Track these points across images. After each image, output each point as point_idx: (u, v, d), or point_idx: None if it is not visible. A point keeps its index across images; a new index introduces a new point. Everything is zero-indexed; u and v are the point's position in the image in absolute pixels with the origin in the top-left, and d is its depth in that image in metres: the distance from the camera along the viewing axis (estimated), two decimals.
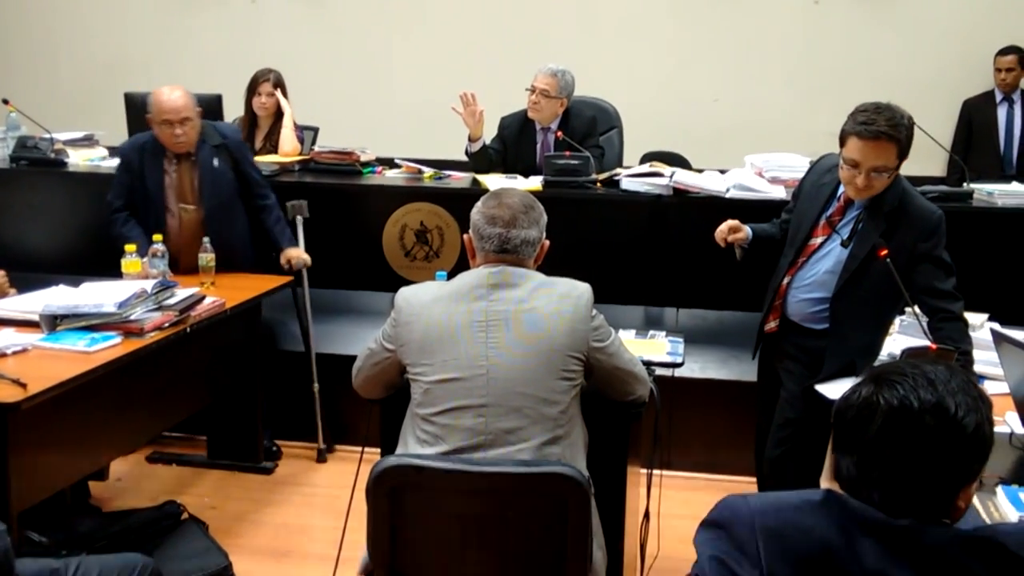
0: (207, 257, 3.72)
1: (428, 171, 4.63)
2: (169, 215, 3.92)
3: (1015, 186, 4.34)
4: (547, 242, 2.41)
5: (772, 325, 3.07)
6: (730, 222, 3.11)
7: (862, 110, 2.74)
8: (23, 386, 2.57)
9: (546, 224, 2.40)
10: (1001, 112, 5.99)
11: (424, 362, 2.26)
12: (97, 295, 3.10)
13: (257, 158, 4.46)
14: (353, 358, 2.51)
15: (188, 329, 3.22)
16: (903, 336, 3.09)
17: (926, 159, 5.26)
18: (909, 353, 2.68)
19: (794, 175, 3.93)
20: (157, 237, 3.65)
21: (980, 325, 3.07)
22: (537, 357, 2.22)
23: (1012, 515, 1.96)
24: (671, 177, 4.18)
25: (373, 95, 6.66)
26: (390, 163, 4.83)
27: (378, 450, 2.54)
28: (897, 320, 3.11)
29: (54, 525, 3.08)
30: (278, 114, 4.92)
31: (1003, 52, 5.94)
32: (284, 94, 4.94)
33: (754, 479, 3.35)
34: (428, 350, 2.25)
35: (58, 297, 3.17)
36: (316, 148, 4.83)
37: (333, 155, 4.70)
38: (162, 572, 2.32)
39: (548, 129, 4.70)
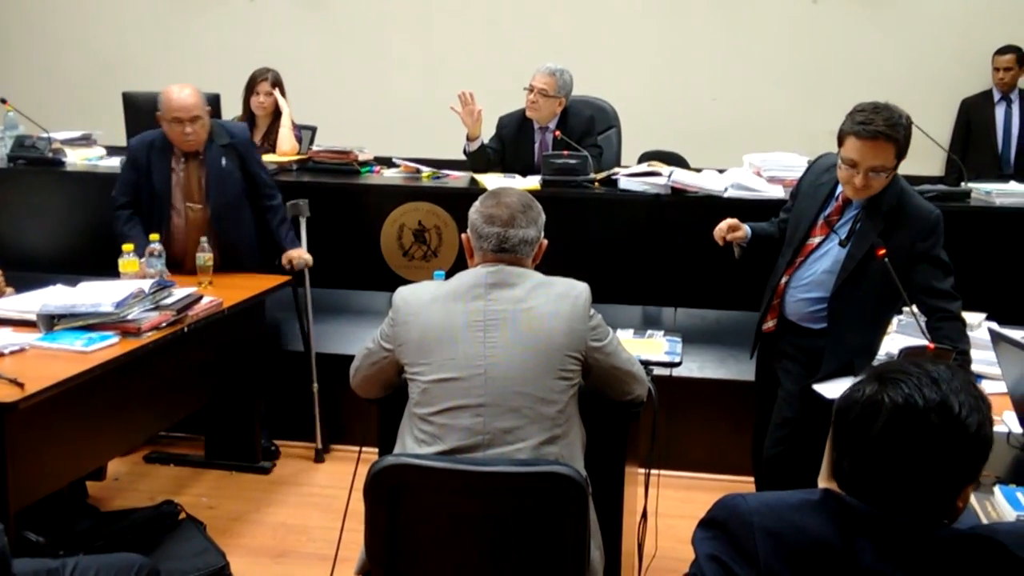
0: (205, 257, 3.72)
1: (426, 170, 4.63)
2: (175, 214, 3.92)
3: (1013, 185, 4.35)
4: (545, 241, 2.41)
5: (770, 325, 3.08)
6: (729, 220, 3.11)
7: (860, 110, 2.74)
8: (20, 386, 2.57)
9: (544, 223, 2.40)
10: (999, 111, 5.99)
11: (422, 362, 2.26)
12: (94, 295, 3.09)
13: None
14: (351, 358, 2.51)
15: (185, 329, 3.22)
16: (901, 335, 3.09)
17: (924, 158, 5.27)
18: (907, 352, 2.68)
19: (792, 174, 3.93)
20: (154, 237, 3.65)
21: (978, 324, 3.07)
22: (535, 356, 2.22)
23: (1010, 514, 1.96)
24: (669, 176, 4.18)
25: (371, 94, 6.66)
26: (388, 162, 4.83)
27: (376, 450, 2.53)
28: (895, 319, 3.11)
29: (51, 525, 3.08)
30: (276, 113, 4.92)
31: (1001, 51, 5.94)
32: (282, 93, 4.94)
33: (752, 479, 3.35)
34: (426, 350, 2.25)
35: (55, 297, 3.17)
36: (314, 147, 4.83)
37: (331, 154, 4.70)
38: (160, 572, 2.32)
39: (546, 128, 4.70)
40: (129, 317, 3.05)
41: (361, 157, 4.69)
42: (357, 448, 2.74)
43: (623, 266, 4.24)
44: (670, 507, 3.11)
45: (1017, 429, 2.39)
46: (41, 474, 2.77)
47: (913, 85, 5.79)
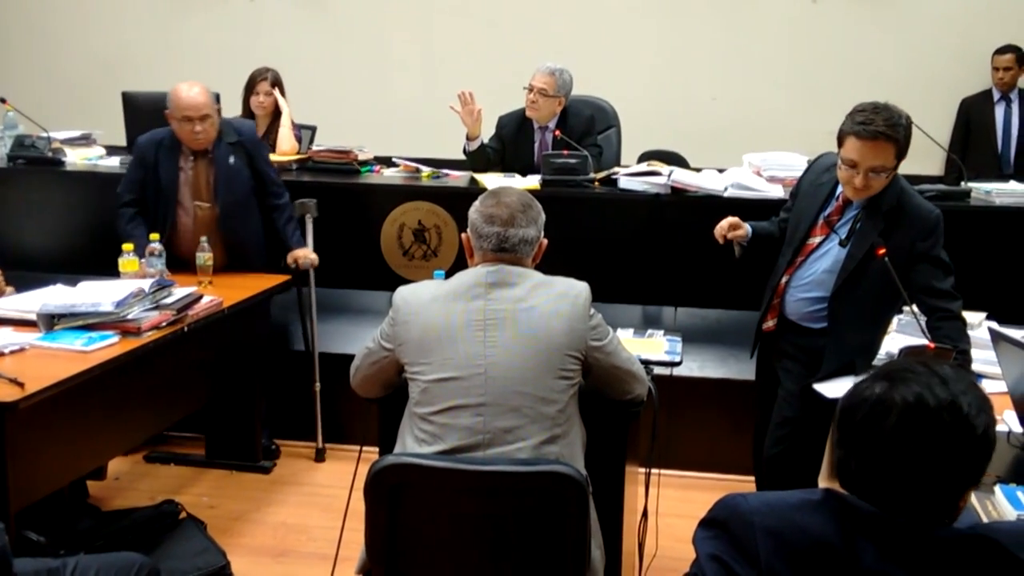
0: (205, 256, 3.72)
1: (426, 170, 4.63)
2: (184, 212, 3.91)
3: (1013, 185, 4.35)
4: (545, 241, 2.41)
5: (770, 324, 3.08)
6: (730, 219, 3.11)
7: (860, 110, 2.74)
8: (21, 385, 2.57)
9: (544, 223, 2.40)
10: (999, 111, 5.99)
11: (422, 361, 2.26)
12: (94, 294, 3.09)
13: None
14: (350, 357, 2.51)
15: (185, 328, 3.22)
16: (901, 335, 3.09)
17: (924, 158, 5.27)
18: (907, 352, 2.68)
19: (792, 174, 3.94)
20: (154, 236, 3.65)
21: (978, 324, 3.07)
22: (535, 356, 2.22)
23: (1010, 514, 1.96)
24: (669, 176, 4.18)
25: (371, 94, 6.66)
26: (388, 162, 4.83)
27: (376, 449, 2.54)
28: (895, 319, 3.11)
29: (52, 524, 3.08)
30: (276, 113, 4.92)
31: (1001, 51, 5.94)
32: (282, 93, 4.94)
33: (752, 478, 3.35)
34: (426, 349, 2.25)
35: (55, 296, 3.17)
36: (314, 147, 4.83)
37: (331, 154, 4.70)
38: (160, 571, 2.32)
39: (546, 128, 4.70)
40: (129, 317, 3.05)
41: (361, 157, 4.69)
42: (357, 447, 2.74)
43: (623, 265, 4.24)
44: (670, 506, 3.11)
45: (1017, 428, 2.39)
46: (41, 474, 2.77)
47: (913, 85, 5.79)
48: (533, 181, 4.33)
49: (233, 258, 3.93)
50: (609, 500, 2.46)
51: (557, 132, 4.59)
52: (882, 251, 2.72)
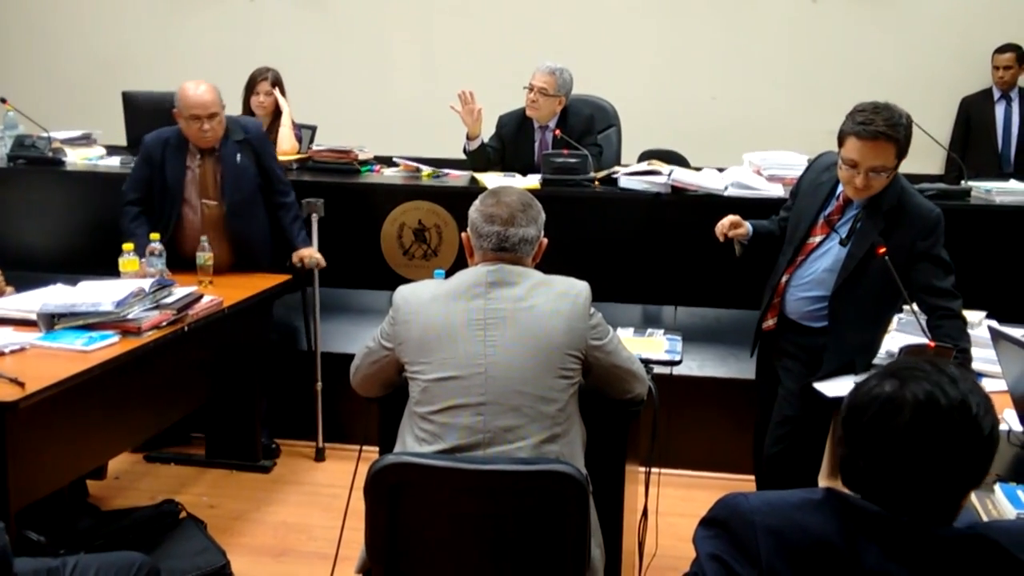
0: (205, 256, 3.72)
1: (426, 169, 4.63)
2: (190, 210, 3.91)
3: (1013, 184, 4.35)
4: (545, 240, 2.41)
5: (770, 323, 3.08)
6: (731, 217, 3.12)
7: (860, 110, 2.74)
8: (21, 385, 2.57)
9: (544, 222, 2.40)
10: (999, 110, 5.99)
11: (422, 360, 2.26)
12: (95, 294, 3.09)
13: None
14: (350, 356, 2.51)
15: (186, 328, 3.22)
16: (901, 334, 3.09)
17: (924, 157, 5.26)
18: (907, 351, 2.68)
19: (792, 173, 3.93)
20: (154, 236, 3.65)
21: (978, 323, 3.07)
22: (535, 355, 2.22)
23: (1010, 512, 1.96)
24: (669, 175, 4.18)
25: (371, 93, 6.66)
26: (388, 161, 4.83)
27: (376, 448, 2.53)
28: (895, 318, 3.11)
29: (52, 524, 3.08)
30: (276, 113, 4.92)
31: (1001, 50, 5.94)
32: (282, 93, 4.94)
33: (752, 477, 3.35)
34: (426, 348, 2.25)
35: (55, 296, 3.17)
36: (314, 147, 4.83)
37: (331, 153, 4.70)
38: (160, 571, 2.32)
39: (546, 127, 4.70)
40: (129, 316, 3.05)
41: (361, 156, 4.69)
42: (357, 447, 2.74)
43: (623, 265, 4.24)
44: (670, 505, 3.11)
45: (1017, 427, 2.40)
46: (42, 473, 2.77)
47: (913, 84, 5.78)
48: (533, 180, 4.33)
49: (240, 256, 3.93)
50: (609, 499, 2.46)
51: (557, 131, 4.59)
52: (882, 250, 2.72)
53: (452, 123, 4.67)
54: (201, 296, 3.36)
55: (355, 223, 4.42)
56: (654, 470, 2.86)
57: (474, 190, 4.12)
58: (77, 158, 4.81)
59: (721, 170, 4.38)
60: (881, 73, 6.02)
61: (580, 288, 2.31)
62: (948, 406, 1.33)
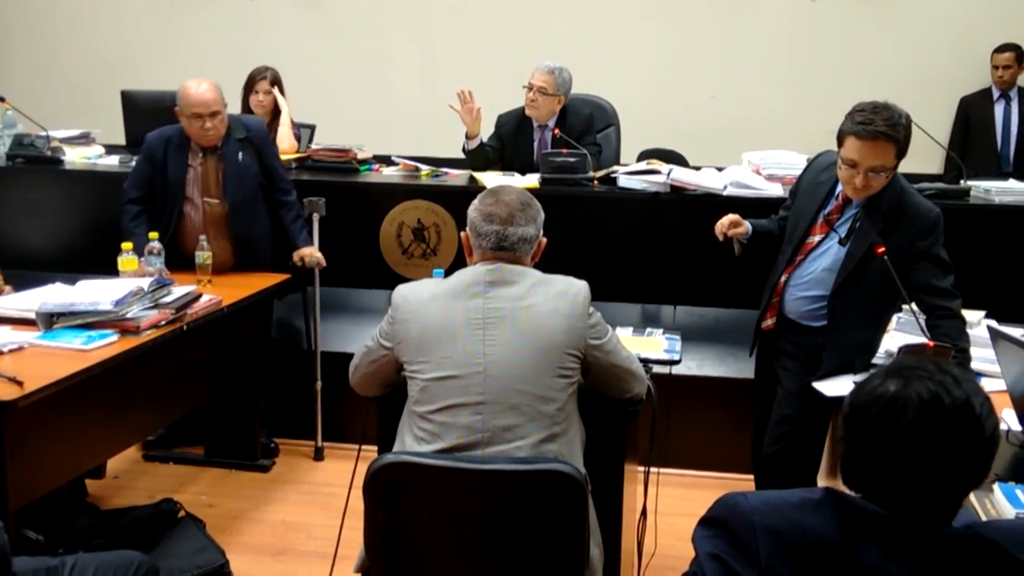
0: (204, 255, 3.72)
1: (425, 168, 4.63)
2: (193, 209, 3.91)
3: (1012, 183, 4.35)
4: (544, 239, 2.41)
5: (769, 322, 3.08)
6: (731, 216, 3.11)
7: (860, 110, 2.73)
8: (20, 384, 2.57)
9: (543, 222, 2.40)
10: (998, 109, 5.99)
11: (421, 359, 2.26)
12: (93, 293, 3.09)
13: None
14: (349, 356, 2.51)
15: (184, 327, 3.22)
16: (900, 333, 3.09)
17: (923, 157, 5.26)
18: (906, 350, 2.68)
19: (791, 172, 3.94)
20: (153, 235, 3.64)
21: (977, 322, 3.07)
22: (534, 354, 2.21)
23: (1009, 512, 1.96)
24: (668, 174, 4.17)
25: (370, 93, 6.66)
26: (387, 160, 4.83)
27: (375, 447, 2.53)
28: (894, 317, 3.11)
29: (51, 523, 3.08)
30: (275, 112, 4.92)
31: (1000, 49, 5.95)
32: (281, 92, 4.94)
33: (751, 476, 3.35)
34: (425, 348, 2.25)
35: (54, 295, 3.17)
36: (313, 146, 4.83)
37: (330, 153, 4.70)
38: (159, 570, 2.32)
39: (545, 127, 4.70)
40: (128, 315, 3.05)
41: (360, 155, 4.69)
42: (356, 446, 2.74)
43: (622, 264, 4.24)
44: (669, 505, 3.11)
45: (1016, 427, 2.40)
46: (40, 472, 2.77)
47: (912, 83, 5.78)
48: (532, 180, 4.33)
49: (242, 255, 3.93)
50: (608, 499, 2.46)
51: (556, 131, 4.59)
52: (881, 250, 2.72)
53: (451, 122, 4.67)
54: (200, 295, 3.36)
55: (354, 222, 4.42)
56: (653, 469, 2.86)
57: (473, 189, 4.12)
58: (76, 157, 4.81)
59: (720, 169, 4.38)
60: (880, 73, 6.02)
61: (579, 287, 2.31)
62: (952, 406, 1.33)
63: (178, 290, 3.27)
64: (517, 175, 4.49)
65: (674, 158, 4.89)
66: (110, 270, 3.50)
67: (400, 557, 2.19)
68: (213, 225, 3.88)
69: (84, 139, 5.03)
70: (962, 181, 4.33)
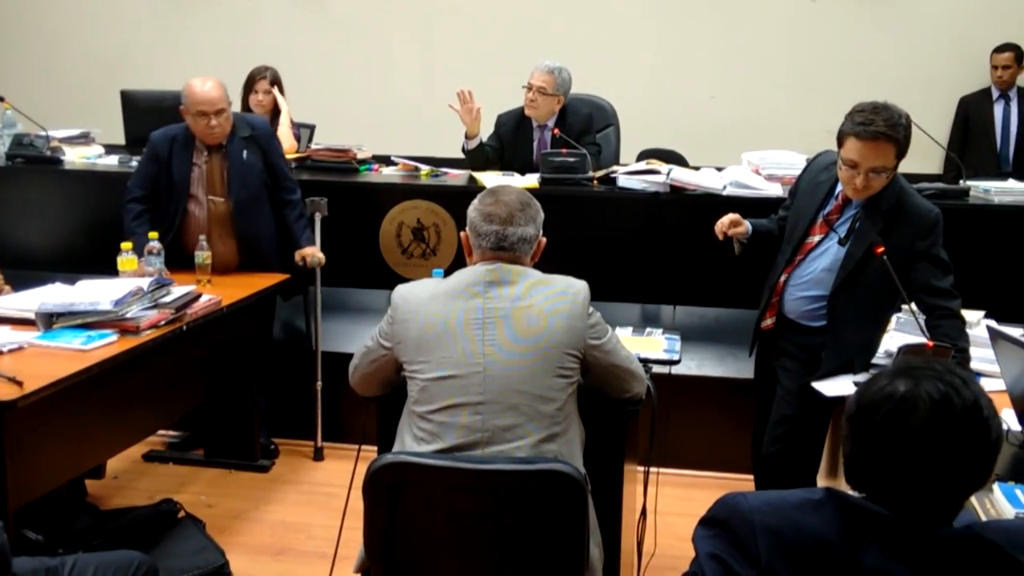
0: (203, 255, 3.72)
1: (425, 168, 4.63)
2: (198, 207, 3.90)
3: (1011, 183, 4.35)
4: (544, 239, 2.41)
5: (769, 322, 3.08)
6: (731, 215, 3.11)
7: (860, 110, 2.73)
8: (19, 384, 2.57)
9: (543, 221, 2.40)
10: (997, 109, 5.99)
11: (421, 359, 2.25)
12: (93, 293, 3.09)
13: None
14: (349, 355, 2.51)
15: (184, 327, 3.22)
16: (900, 333, 3.09)
17: (923, 156, 5.26)
18: (905, 350, 2.68)
19: (791, 172, 3.94)
20: (153, 235, 3.64)
21: (976, 322, 3.07)
22: (534, 354, 2.21)
23: (1008, 511, 1.96)
24: (668, 174, 4.17)
25: (370, 92, 6.66)
26: (387, 160, 4.83)
27: (375, 448, 2.53)
28: (894, 317, 3.11)
29: (50, 523, 3.08)
30: (275, 111, 4.92)
31: (999, 49, 5.95)
32: (281, 91, 4.94)
33: (751, 476, 3.35)
34: (425, 347, 2.25)
35: (54, 295, 3.16)
36: (313, 146, 4.83)
37: (329, 152, 4.70)
38: (158, 570, 2.32)
39: (545, 126, 4.70)
40: (128, 315, 3.05)
41: (360, 155, 4.69)
42: (356, 446, 2.74)
43: (622, 264, 4.24)
44: (669, 505, 3.11)
45: (1016, 427, 2.40)
46: (40, 472, 2.77)
47: (911, 83, 5.78)
48: (532, 180, 4.33)
49: (247, 254, 3.93)
50: (608, 499, 2.46)
51: (556, 130, 4.59)
52: (881, 250, 2.72)
53: (451, 122, 4.67)
54: (199, 295, 3.36)
55: (353, 222, 4.42)
56: (653, 469, 2.86)
57: (473, 189, 4.12)
58: (75, 157, 4.81)
59: (720, 169, 4.38)
60: (880, 73, 6.02)
61: (579, 287, 2.31)
62: (962, 407, 1.33)
63: (177, 290, 3.27)
64: (517, 175, 4.49)
65: (674, 158, 4.89)
66: (110, 270, 3.50)
67: (400, 557, 2.19)
68: (218, 223, 3.88)
69: (84, 139, 5.04)
70: (961, 181, 4.34)
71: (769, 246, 3.14)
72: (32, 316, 3.02)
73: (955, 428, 1.33)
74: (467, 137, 4.64)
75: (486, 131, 4.75)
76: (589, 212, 4.27)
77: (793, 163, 4.12)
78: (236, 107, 4.90)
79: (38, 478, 2.77)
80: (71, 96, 6.65)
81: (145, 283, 3.18)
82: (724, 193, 4.11)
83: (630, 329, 3.11)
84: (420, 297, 2.31)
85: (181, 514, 3.34)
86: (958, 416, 1.33)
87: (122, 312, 3.04)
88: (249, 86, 4.91)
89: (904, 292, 2.75)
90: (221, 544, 3.21)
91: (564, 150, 4.37)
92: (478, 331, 2.23)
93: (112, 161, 4.73)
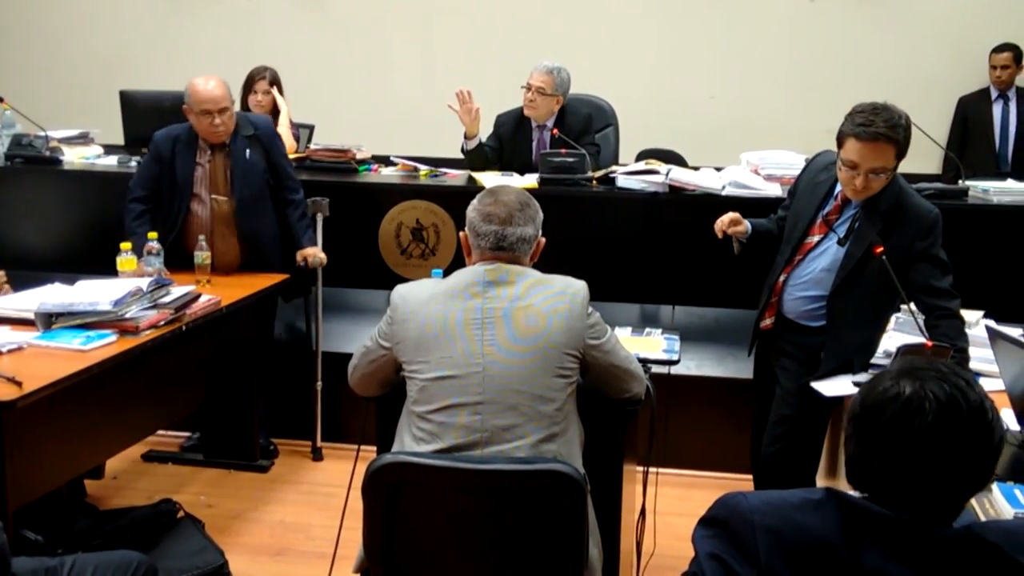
0: (203, 255, 3.72)
1: (424, 169, 4.63)
2: (201, 206, 3.90)
3: (1010, 183, 4.35)
4: (543, 240, 2.41)
5: (768, 322, 3.08)
6: (731, 214, 3.11)
7: (859, 111, 2.73)
8: (18, 384, 2.57)
9: (542, 222, 2.40)
10: (996, 109, 6.00)
11: (420, 360, 2.26)
12: (92, 293, 3.09)
13: None
14: (348, 356, 2.51)
15: (183, 327, 3.22)
16: (899, 333, 3.09)
17: (922, 157, 5.26)
18: (905, 350, 2.68)
19: (790, 172, 3.94)
20: (152, 235, 3.64)
21: (975, 322, 3.07)
22: (533, 354, 2.21)
23: (1007, 512, 1.96)
24: (667, 175, 4.18)
25: (369, 93, 6.66)
26: (386, 161, 4.83)
27: (374, 448, 2.53)
28: (893, 317, 3.11)
29: (50, 523, 3.08)
30: (274, 112, 4.92)
31: (998, 49, 5.95)
32: (280, 92, 4.94)
33: (750, 476, 3.35)
34: (424, 348, 2.25)
35: (53, 295, 3.16)
36: (312, 146, 4.83)
37: (329, 153, 4.70)
38: (158, 570, 2.32)
39: (544, 127, 4.70)
40: (127, 315, 3.05)
41: (359, 155, 4.69)
42: (355, 446, 2.74)
43: (621, 264, 4.24)
44: (668, 505, 3.11)
45: (1015, 427, 2.40)
46: (39, 472, 2.77)
47: (910, 83, 5.79)
48: (531, 180, 4.33)
49: (249, 253, 3.92)
50: (607, 499, 2.46)
51: (555, 131, 4.59)
52: (880, 250, 2.72)
53: (450, 122, 4.67)
54: (199, 295, 3.35)
55: (353, 222, 4.42)
56: (652, 469, 2.86)
57: (472, 189, 4.12)
58: (74, 157, 4.80)
59: (719, 169, 4.38)
60: (879, 73, 6.02)
61: (578, 287, 2.31)
62: (968, 409, 1.33)
63: (177, 290, 3.27)
64: (516, 175, 4.49)
65: (673, 158, 4.89)
66: (109, 270, 3.50)
67: (399, 557, 2.19)
68: (221, 223, 3.88)
69: (83, 139, 5.03)
70: (960, 181, 4.34)
71: (768, 246, 3.14)
72: (31, 316, 3.01)
73: (961, 430, 1.33)
74: (466, 137, 4.64)
75: (485, 131, 4.75)
76: (588, 212, 4.28)
77: (792, 163, 4.13)
78: (236, 107, 4.91)
79: (37, 478, 2.77)
80: (70, 96, 6.65)
81: (144, 283, 3.18)
82: (723, 193, 4.11)
83: (629, 329, 3.11)
84: (419, 297, 2.31)
85: (180, 514, 3.34)
86: (964, 418, 1.33)
87: (121, 312, 3.04)
88: (248, 86, 4.91)
89: (903, 292, 2.75)
90: (220, 544, 3.21)
91: (563, 150, 4.37)
92: (477, 331, 2.23)
93: (111, 161, 4.73)
